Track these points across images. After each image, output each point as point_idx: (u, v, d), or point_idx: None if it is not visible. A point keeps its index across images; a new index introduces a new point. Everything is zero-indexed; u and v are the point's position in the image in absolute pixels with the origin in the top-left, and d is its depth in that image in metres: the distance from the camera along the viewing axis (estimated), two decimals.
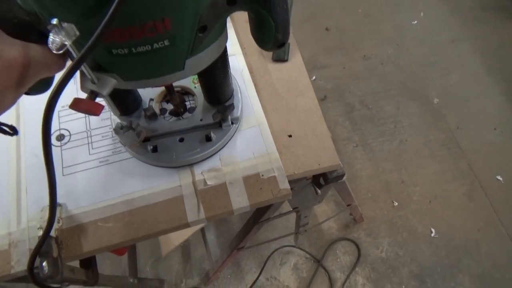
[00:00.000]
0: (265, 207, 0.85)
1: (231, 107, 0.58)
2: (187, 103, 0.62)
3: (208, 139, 0.57)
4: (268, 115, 0.63)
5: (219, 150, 0.58)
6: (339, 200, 1.62)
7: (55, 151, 0.59)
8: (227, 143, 0.59)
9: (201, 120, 0.58)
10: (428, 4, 2.26)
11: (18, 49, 0.31)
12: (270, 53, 0.69)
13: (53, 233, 0.52)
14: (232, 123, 0.59)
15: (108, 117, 0.62)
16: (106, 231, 0.53)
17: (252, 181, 0.56)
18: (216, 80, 0.54)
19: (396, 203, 1.66)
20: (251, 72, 0.67)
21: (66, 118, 0.62)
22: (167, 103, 0.62)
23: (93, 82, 0.39)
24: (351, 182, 1.71)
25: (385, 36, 2.13)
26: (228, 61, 0.53)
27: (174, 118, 0.60)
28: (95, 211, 0.55)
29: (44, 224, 0.50)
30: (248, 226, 0.99)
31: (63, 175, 0.57)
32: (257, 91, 0.64)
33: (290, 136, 0.61)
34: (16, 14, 0.32)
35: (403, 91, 1.94)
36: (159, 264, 1.54)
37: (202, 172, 0.57)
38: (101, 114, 0.62)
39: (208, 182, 0.56)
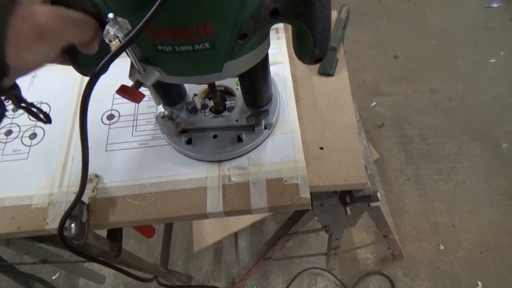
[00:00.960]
0: (294, 220, 0.85)
1: (266, 112, 0.60)
2: (227, 102, 0.65)
3: (240, 140, 0.59)
4: (303, 125, 0.63)
5: (248, 152, 0.60)
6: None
7: (103, 129, 0.65)
8: (257, 146, 0.60)
9: (236, 120, 0.61)
10: (511, 44, 2.12)
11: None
12: (317, 66, 0.70)
13: (86, 200, 0.57)
14: (265, 128, 0.60)
15: (155, 105, 0.67)
16: (132, 207, 0.57)
17: (275, 184, 0.57)
18: (255, 84, 0.56)
19: (442, 247, 1.55)
20: (294, 82, 0.68)
21: (118, 101, 0.68)
22: (209, 100, 0.65)
23: (140, 73, 0.43)
24: (396, 216, 1.63)
25: (457, 71, 2.03)
26: (269, 68, 0.55)
27: (212, 115, 0.63)
28: (126, 187, 0.59)
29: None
30: (276, 237, 0.99)
31: (106, 151, 0.63)
32: (296, 101, 0.66)
33: (321, 148, 0.62)
34: (84, 6, 0.37)
35: (468, 131, 1.82)
36: (190, 261, 1.59)
37: (228, 168, 0.59)
38: (150, 102, 0.67)
39: (233, 179, 0.58)
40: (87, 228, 0.55)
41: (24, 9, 0.30)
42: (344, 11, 0.73)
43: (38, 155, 0.64)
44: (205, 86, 0.65)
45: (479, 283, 1.46)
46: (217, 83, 0.63)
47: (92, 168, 0.61)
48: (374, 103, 1.96)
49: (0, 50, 0.28)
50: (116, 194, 0.59)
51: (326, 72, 0.69)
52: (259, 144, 0.60)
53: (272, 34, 0.72)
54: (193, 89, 0.65)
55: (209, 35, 0.37)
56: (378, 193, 0.62)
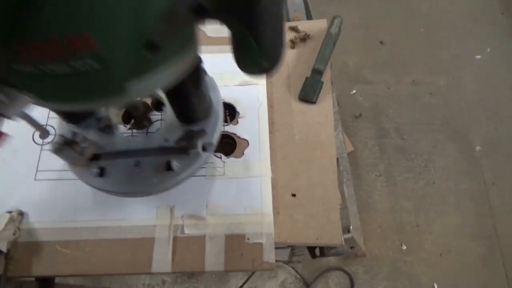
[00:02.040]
0: None
1: (202, 132, 0.45)
2: (153, 115, 0.50)
3: (169, 168, 0.45)
4: (275, 163, 0.54)
5: (181, 182, 0.47)
6: None
7: (34, 150, 0.53)
8: (192, 175, 0.47)
9: (166, 140, 0.46)
10: (500, 40, 2.05)
11: None
12: (298, 88, 0.60)
13: (4, 245, 0.47)
14: (204, 149, 0.46)
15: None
16: (62, 257, 0.48)
17: (235, 242, 0.48)
18: (185, 100, 0.42)
19: (405, 247, 1.55)
20: (270, 107, 0.58)
21: (55, 114, 0.56)
22: (129, 113, 0.50)
23: None
24: (363, 212, 1.61)
25: (442, 65, 1.96)
26: (202, 77, 0.42)
27: (134, 133, 0.49)
28: (56, 231, 0.49)
29: None
30: None
31: (35, 180, 0.52)
32: (270, 132, 0.56)
33: (294, 195, 0.53)
34: None
35: (445, 129, 1.79)
36: None
37: (182, 216, 0.50)
38: None
39: (186, 231, 0.49)
40: (2, 283, 0.45)
41: None
42: (336, 25, 0.62)
43: None
44: None
45: (435, 286, 1.48)
46: None
47: (15, 202, 0.50)
48: (355, 91, 1.87)
49: None
50: (44, 238, 0.49)
51: (308, 98, 0.59)
52: (195, 171, 0.47)
53: None
54: None
55: (95, 51, 0.25)
56: (350, 227, 0.56)
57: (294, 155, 0.56)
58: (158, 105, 0.51)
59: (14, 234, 0.48)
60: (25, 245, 0.48)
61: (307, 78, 0.60)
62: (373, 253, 1.54)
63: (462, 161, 1.71)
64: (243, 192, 0.51)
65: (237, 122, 0.56)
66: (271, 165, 0.54)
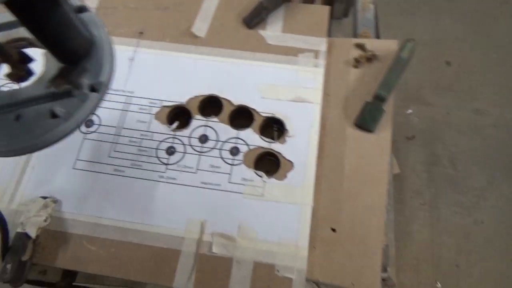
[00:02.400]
0: None
1: (82, 69, 0.40)
2: (31, 63, 0.41)
3: (54, 115, 0.39)
4: (319, 191, 0.50)
5: (71, 131, 0.40)
6: None
7: (77, 138, 0.53)
8: (83, 121, 0.39)
9: (47, 87, 0.40)
10: None
11: None
12: (354, 112, 0.55)
13: (34, 231, 0.46)
14: (94, 90, 0.40)
15: (145, 120, 0.54)
16: (87, 253, 0.47)
17: (263, 272, 0.45)
18: (43, 26, 0.36)
19: (439, 285, 1.45)
20: (322, 129, 0.54)
21: (103, 103, 0.55)
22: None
23: None
24: (400, 241, 1.52)
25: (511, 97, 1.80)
26: (64, 4, 0.35)
27: (10, 85, 0.44)
28: (85, 225, 0.48)
29: (28, 220, 0.44)
30: None
31: (73, 168, 0.51)
32: (318, 156, 0.52)
33: (333, 230, 0.49)
34: None
35: (504, 167, 1.64)
36: None
37: (212, 234, 0.47)
38: (141, 115, 0.54)
39: (214, 250, 0.46)
40: (27, 268, 0.45)
41: None
42: (408, 49, 0.56)
43: None
44: None
45: None
46: (12, 33, 0.42)
47: (50, 188, 0.50)
48: (411, 111, 1.77)
49: None
50: (72, 230, 0.48)
51: (365, 126, 0.54)
52: (87, 117, 0.40)
53: (308, 58, 0.57)
54: None
55: None
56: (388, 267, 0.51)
57: (340, 185, 0.51)
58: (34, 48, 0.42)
59: (45, 221, 0.48)
60: (54, 234, 0.48)
61: (367, 103, 0.55)
62: (404, 284, 1.45)
63: None
64: (280, 219, 0.48)
65: (285, 140, 0.52)
66: (314, 192, 0.49)
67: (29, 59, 0.40)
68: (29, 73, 0.40)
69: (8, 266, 0.43)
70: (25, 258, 0.45)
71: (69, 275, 0.51)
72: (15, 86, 0.41)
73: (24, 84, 0.40)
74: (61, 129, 0.39)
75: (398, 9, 1.97)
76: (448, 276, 1.46)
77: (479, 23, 1.98)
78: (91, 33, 0.41)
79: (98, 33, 0.42)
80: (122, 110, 0.54)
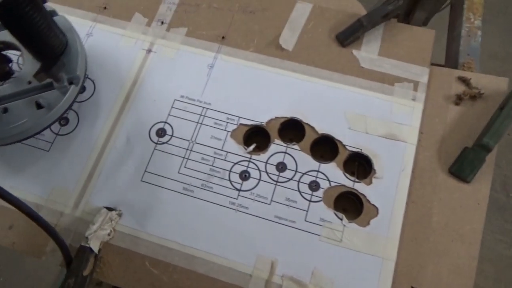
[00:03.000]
0: None
1: (60, 64, 0.46)
2: (12, 63, 0.50)
3: (40, 106, 0.46)
4: (402, 243, 0.45)
5: (57, 119, 0.47)
6: None
7: (148, 147, 0.49)
8: (67, 110, 0.48)
9: (29, 82, 0.47)
10: None
11: None
12: (450, 157, 0.49)
13: (97, 246, 0.44)
14: (72, 84, 0.47)
15: (221, 138, 0.50)
16: (148, 276, 0.44)
17: None
18: (25, 29, 0.41)
19: None
20: (413, 172, 0.48)
21: (178, 113, 0.51)
22: None
23: None
24: None
25: None
26: (40, 4, 0.41)
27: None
28: (150, 245, 0.45)
29: (93, 234, 0.42)
30: None
31: (141, 180, 0.48)
32: (406, 203, 0.47)
33: None
34: None
35: None
36: None
37: (283, 276, 0.43)
38: (215, 131, 0.50)
39: None
40: (87, 283, 0.43)
41: None
42: None
43: (62, 147, 0.50)
44: None
45: None
46: None
47: (116, 200, 0.47)
48: None
49: None
50: (136, 249, 0.45)
51: (461, 175, 0.48)
52: (69, 106, 0.48)
53: (406, 89, 0.51)
54: None
55: None
56: None
57: (426, 239, 0.46)
58: (14, 50, 0.50)
59: (108, 235, 0.45)
60: (116, 250, 0.46)
61: (466, 148, 0.49)
62: None
63: None
64: (358, 271, 0.43)
65: (371, 182, 0.47)
66: (397, 249, 0.45)
67: (8, 60, 0.50)
68: (10, 72, 0.49)
69: (70, 281, 0.41)
70: (86, 273, 0.43)
71: None
72: None
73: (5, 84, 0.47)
74: (46, 118, 0.46)
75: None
76: None
77: None
78: (65, 35, 0.48)
79: (70, 35, 0.49)
80: (196, 122, 0.50)
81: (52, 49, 0.46)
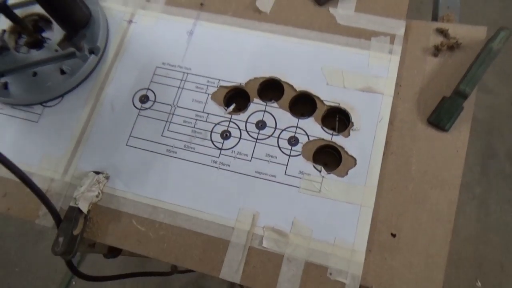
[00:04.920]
0: None
1: (82, 35, 0.52)
2: (44, 33, 0.56)
3: (63, 72, 0.51)
4: (380, 192, 0.46)
5: (78, 85, 0.53)
6: None
7: (132, 113, 0.51)
8: (87, 77, 0.53)
9: (56, 50, 0.52)
10: None
11: None
12: (430, 108, 0.50)
13: (86, 206, 0.46)
14: (92, 53, 0.52)
15: (202, 100, 0.51)
16: (136, 233, 0.46)
17: (314, 273, 0.43)
18: (52, 3, 0.48)
19: (480, 284, 1.39)
20: (390, 123, 0.49)
21: (159, 79, 0.52)
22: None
23: None
24: None
25: None
26: None
27: (28, 50, 0.54)
28: (136, 205, 0.47)
29: (81, 195, 0.44)
30: None
31: (126, 145, 0.50)
32: (384, 153, 0.47)
33: (393, 235, 0.45)
34: None
35: None
36: None
37: (264, 227, 0.45)
38: (197, 94, 0.51)
39: (264, 244, 0.44)
40: (78, 242, 0.45)
41: None
42: (501, 39, 0.49)
43: (50, 118, 0.52)
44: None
45: None
46: (28, 10, 0.55)
47: (102, 163, 0.49)
48: None
49: None
50: (123, 208, 0.47)
51: (439, 124, 0.48)
52: (89, 75, 0.53)
53: (382, 42, 0.51)
54: (1, 26, 0.54)
55: None
56: None
57: (405, 188, 0.47)
58: (46, 23, 0.56)
59: (97, 196, 0.47)
60: (104, 211, 0.47)
61: (444, 98, 0.49)
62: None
63: None
64: (337, 219, 0.44)
65: (349, 134, 0.48)
66: (375, 195, 0.46)
67: (41, 29, 0.56)
68: (42, 40, 0.55)
69: (60, 239, 0.43)
70: (76, 232, 0.45)
71: (115, 249, 0.52)
72: (33, 50, 0.54)
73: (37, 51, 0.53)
74: (68, 83, 0.51)
75: None
76: (490, 275, 1.39)
77: None
78: (89, 8, 0.54)
79: (94, 8, 0.54)
80: (178, 87, 0.52)
81: (76, 21, 0.52)
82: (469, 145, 1.44)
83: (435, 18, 0.57)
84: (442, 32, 0.52)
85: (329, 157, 0.50)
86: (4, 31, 0.53)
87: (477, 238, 1.44)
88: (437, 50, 0.52)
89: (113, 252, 0.54)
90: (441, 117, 0.48)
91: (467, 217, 1.47)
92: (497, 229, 1.44)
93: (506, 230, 1.44)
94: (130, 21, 0.56)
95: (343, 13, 0.53)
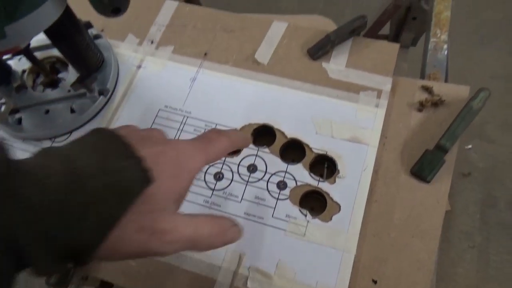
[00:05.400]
0: None
1: (93, 77, 0.56)
2: (61, 74, 0.61)
3: (72, 111, 0.56)
4: (363, 238, 0.48)
5: (86, 123, 0.57)
6: None
7: None
8: (94, 116, 0.57)
9: (69, 91, 0.56)
10: None
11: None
12: (412, 159, 0.52)
13: None
14: (101, 94, 0.56)
15: None
16: (127, 268, 0.48)
17: None
18: (69, 48, 0.52)
19: None
20: (375, 172, 0.51)
21: (162, 121, 0.56)
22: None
23: None
24: (442, 281, 1.44)
25: None
26: (82, 29, 0.52)
27: (44, 89, 0.59)
28: None
29: None
30: None
31: None
32: (368, 201, 0.50)
33: (375, 282, 0.47)
34: None
35: None
36: None
37: (250, 267, 0.47)
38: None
39: (249, 285, 0.46)
40: (70, 275, 0.47)
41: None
42: (481, 99, 0.53)
43: None
44: None
45: None
46: (47, 52, 0.60)
47: None
48: (470, 146, 1.67)
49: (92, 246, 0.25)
50: None
51: (421, 175, 0.51)
52: (97, 114, 0.58)
53: (370, 96, 0.55)
54: (21, 65, 0.59)
55: None
56: None
57: (387, 235, 0.49)
58: (64, 65, 0.61)
59: None
60: None
61: (427, 151, 0.52)
62: None
63: None
64: (319, 263, 0.46)
65: (334, 181, 0.50)
66: (358, 240, 0.48)
67: (58, 71, 0.61)
68: (58, 80, 0.60)
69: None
70: (70, 265, 0.47)
71: (107, 283, 0.53)
72: (48, 90, 0.59)
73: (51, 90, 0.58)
74: (77, 120, 0.56)
75: (469, 37, 1.86)
76: None
77: None
78: (102, 54, 0.58)
79: (107, 54, 0.59)
80: (178, 129, 0.55)
81: (89, 64, 0.56)
82: (469, 193, 1.46)
83: (422, 76, 0.61)
84: (427, 89, 0.56)
85: (315, 202, 0.52)
86: (24, 71, 0.58)
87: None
88: (421, 106, 0.55)
89: (105, 286, 0.56)
90: (423, 168, 0.51)
91: (467, 266, 1.45)
92: (497, 279, 1.42)
93: (506, 281, 1.42)
94: (139, 66, 0.60)
95: (334, 68, 0.57)
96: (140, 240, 0.26)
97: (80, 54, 0.54)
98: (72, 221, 0.23)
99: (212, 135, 0.34)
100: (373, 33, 1.02)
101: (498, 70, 1.81)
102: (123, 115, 0.57)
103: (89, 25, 0.59)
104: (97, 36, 0.60)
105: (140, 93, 0.59)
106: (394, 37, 1.02)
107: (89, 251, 0.24)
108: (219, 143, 0.34)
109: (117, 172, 0.25)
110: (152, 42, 0.62)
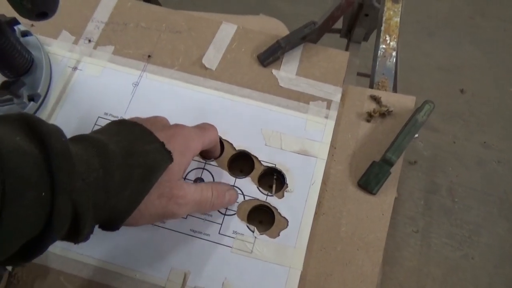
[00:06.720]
0: None
1: (19, 82, 0.50)
2: None
3: None
4: (310, 252, 0.48)
5: None
6: None
7: None
8: None
9: None
10: None
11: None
12: (360, 170, 0.53)
13: None
14: (32, 100, 0.51)
15: None
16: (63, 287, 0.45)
17: None
18: None
19: None
20: (323, 183, 0.51)
21: None
22: None
23: None
24: (387, 265, 1.52)
25: None
26: (5, 27, 0.46)
27: None
28: (65, 261, 0.46)
29: None
30: None
31: None
32: (316, 214, 0.50)
33: None
34: None
35: (502, 205, 1.63)
36: None
37: (194, 287, 0.45)
38: None
39: None
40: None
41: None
42: (426, 112, 0.54)
43: None
44: None
45: None
46: None
47: None
48: (417, 135, 1.73)
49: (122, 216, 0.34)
50: (51, 264, 0.46)
51: (367, 187, 0.52)
52: None
53: (319, 107, 0.54)
54: None
55: None
56: None
57: (333, 249, 0.49)
58: None
59: None
60: (31, 266, 0.46)
61: (373, 162, 0.52)
62: None
63: (510, 244, 1.56)
64: (266, 280, 0.46)
65: (283, 195, 0.50)
66: (305, 254, 0.48)
67: None
68: None
69: None
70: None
71: None
72: None
73: None
74: None
75: (417, 27, 1.92)
76: None
77: (500, 54, 1.93)
78: (31, 54, 0.53)
79: (38, 53, 0.54)
80: None
81: (15, 67, 0.50)
82: (414, 181, 1.52)
83: (371, 83, 0.61)
84: (376, 99, 0.56)
85: (264, 215, 0.51)
86: None
87: (420, 270, 1.51)
88: (370, 116, 0.55)
89: None
90: (369, 181, 0.52)
91: (411, 249, 1.54)
92: (437, 262, 1.52)
93: (445, 264, 1.52)
94: (75, 68, 0.55)
95: (285, 75, 0.56)
96: (161, 204, 0.35)
97: (4, 56, 0.48)
98: (113, 194, 0.31)
99: (206, 126, 0.45)
100: (327, 28, 1.02)
101: (444, 61, 1.89)
102: (57, 123, 0.52)
103: (15, 21, 0.53)
104: (25, 33, 0.53)
105: (77, 98, 0.54)
106: (347, 32, 1.03)
107: (123, 217, 0.33)
108: (211, 132, 0.44)
109: (146, 154, 0.33)
110: (89, 41, 0.57)
